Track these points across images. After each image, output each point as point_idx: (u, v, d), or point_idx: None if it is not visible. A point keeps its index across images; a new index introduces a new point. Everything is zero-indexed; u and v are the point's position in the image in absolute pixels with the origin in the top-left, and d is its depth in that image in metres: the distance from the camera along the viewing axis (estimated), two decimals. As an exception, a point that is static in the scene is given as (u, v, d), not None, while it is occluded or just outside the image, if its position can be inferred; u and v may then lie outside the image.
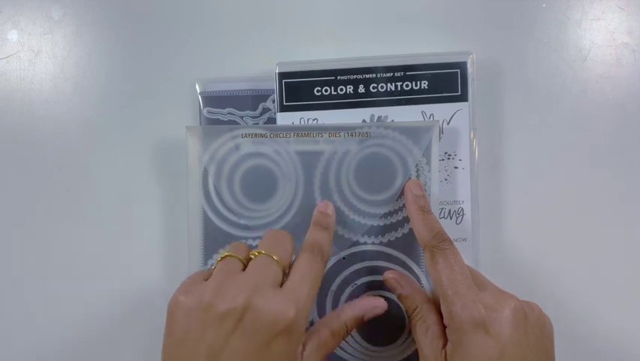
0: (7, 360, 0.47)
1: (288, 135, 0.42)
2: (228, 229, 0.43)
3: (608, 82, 0.45)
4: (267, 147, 0.42)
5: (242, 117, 0.45)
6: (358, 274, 0.43)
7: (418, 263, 0.42)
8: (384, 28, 0.46)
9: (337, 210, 0.42)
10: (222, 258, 0.36)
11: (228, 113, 0.45)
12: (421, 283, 0.42)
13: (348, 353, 0.43)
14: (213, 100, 0.45)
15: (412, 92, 0.43)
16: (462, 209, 0.43)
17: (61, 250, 0.47)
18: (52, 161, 0.47)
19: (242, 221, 0.42)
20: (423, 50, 0.44)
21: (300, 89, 0.43)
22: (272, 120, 0.44)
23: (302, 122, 0.43)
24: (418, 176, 0.42)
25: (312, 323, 0.42)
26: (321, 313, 0.43)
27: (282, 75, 0.43)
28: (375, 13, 0.46)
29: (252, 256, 0.35)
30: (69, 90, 0.48)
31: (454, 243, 0.38)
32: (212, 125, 0.44)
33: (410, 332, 0.42)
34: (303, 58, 0.44)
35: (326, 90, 0.43)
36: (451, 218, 0.43)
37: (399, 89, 0.43)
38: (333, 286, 0.43)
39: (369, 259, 0.42)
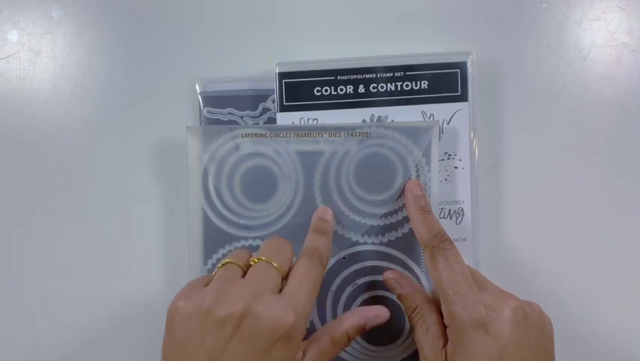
0: (7, 360, 0.47)
1: (288, 135, 0.42)
2: (228, 229, 0.43)
3: (608, 82, 0.45)
4: (267, 147, 0.42)
5: (242, 117, 0.45)
6: (358, 274, 0.43)
7: (418, 263, 0.42)
8: (384, 28, 0.46)
9: (337, 210, 0.42)
10: (223, 265, 0.36)
11: (228, 113, 0.45)
12: (421, 283, 0.42)
13: (348, 353, 0.43)
14: (213, 100, 0.45)
15: (411, 92, 0.43)
16: (462, 209, 0.43)
17: (61, 250, 0.47)
18: (52, 161, 0.47)
19: (242, 221, 0.42)
20: (423, 50, 0.44)
21: (300, 89, 0.43)
22: (272, 120, 0.44)
23: (302, 122, 0.43)
24: (418, 176, 0.42)
25: (311, 324, 0.42)
26: (321, 313, 0.43)
27: (282, 75, 0.43)
28: (375, 13, 0.46)
29: (252, 263, 0.35)
30: (69, 90, 0.48)
31: (454, 243, 0.38)
32: (212, 125, 0.44)
33: (410, 332, 0.42)
34: (303, 58, 0.44)
35: (326, 90, 0.43)
36: (451, 218, 0.43)
37: (399, 89, 0.43)
38: (333, 286, 0.43)
39: (369, 259, 0.42)
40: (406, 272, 0.42)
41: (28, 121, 0.47)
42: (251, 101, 0.45)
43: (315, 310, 0.42)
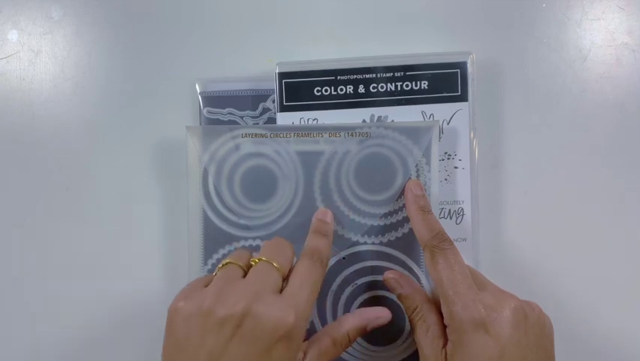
0: (7, 360, 0.47)
1: (288, 135, 0.42)
2: (228, 229, 0.43)
3: (608, 82, 0.45)
4: (267, 147, 0.42)
5: (242, 117, 0.45)
6: (358, 274, 0.43)
7: (418, 263, 0.42)
8: (384, 28, 0.46)
9: (337, 210, 0.42)
10: (223, 265, 0.36)
11: (228, 113, 0.45)
12: (421, 283, 0.42)
13: (348, 353, 0.43)
14: (213, 100, 0.45)
15: (411, 92, 0.43)
16: (462, 209, 0.43)
17: (61, 250, 0.47)
18: (52, 161, 0.47)
19: (242, 221, 0.42)
20: (423, 50, 0.44)
21: (300, 89, 0.43)
22: (272, 120, 0.44)
23: (302, 122, 0.43)
24: (418, 176, 0.42)
25: (311, 324, 0.42)
26: (321, 313, 0.43)
27: (282, 75, 0.43)
28: (375, 13, 0.46)
29: (253, 263, 0.35)
30: (69, 90, 0.48)
31: (454, 243, 0.38)
32: (212, 125, 0.44)
33: (410, 332, 0.42)
34: (303, 58, 0.44)
35: (326, 90, 0.43)
36: (451, 218, 0.43)
37: (399, 89, 0.43)
38: (334, 286, 0.43)
39: (369, 259, 0.42)
40: (406, 272, 0.42)
41: (28, 121, 0.47)
42: (251, 101, 0.45)
43: (315, 310, 0.42)
